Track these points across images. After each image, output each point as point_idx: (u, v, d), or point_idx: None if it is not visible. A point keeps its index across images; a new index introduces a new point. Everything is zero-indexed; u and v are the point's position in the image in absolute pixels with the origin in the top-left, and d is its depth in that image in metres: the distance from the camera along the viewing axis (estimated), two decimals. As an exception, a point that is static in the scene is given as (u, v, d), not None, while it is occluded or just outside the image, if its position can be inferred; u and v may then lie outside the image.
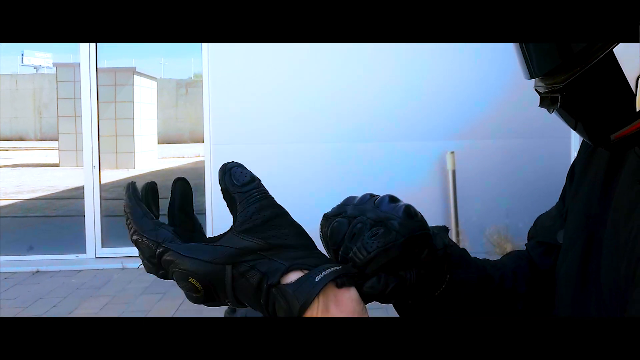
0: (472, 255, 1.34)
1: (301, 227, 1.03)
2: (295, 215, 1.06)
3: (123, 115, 21.83)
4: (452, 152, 8.75)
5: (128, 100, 22.20)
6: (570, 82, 1.04)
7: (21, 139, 33.97)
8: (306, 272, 0.97)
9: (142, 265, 1.04)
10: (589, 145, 1.34)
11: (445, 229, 1.25)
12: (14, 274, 8.28)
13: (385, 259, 1.08)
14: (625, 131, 1.04)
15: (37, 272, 8.42)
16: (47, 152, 26.74)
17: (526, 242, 1.53)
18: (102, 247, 9.05)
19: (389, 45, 8.80)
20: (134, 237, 1.02)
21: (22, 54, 40.99)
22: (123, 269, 8.52)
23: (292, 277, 0.96)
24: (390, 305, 1.22)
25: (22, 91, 34.31)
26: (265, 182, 1.05)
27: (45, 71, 38.79)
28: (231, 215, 1.02)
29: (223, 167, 1.03)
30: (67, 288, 7.71)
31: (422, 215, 1.15)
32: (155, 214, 1.07)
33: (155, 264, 1.01)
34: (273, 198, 1.02)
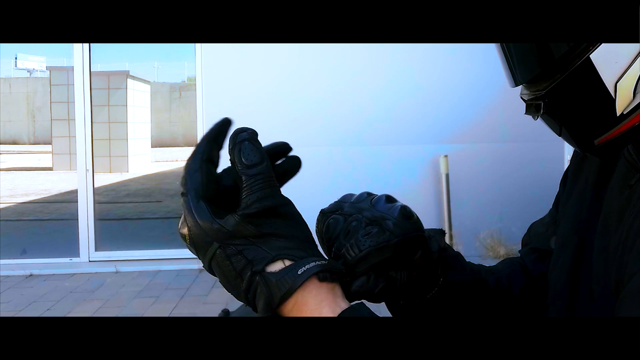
0: (465, 259, 1.34)
1: (301, 218, 1.04)
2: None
3: (116, 118, 21.81)
4: (446, 156, 8.77)
5: (121, 103, 22.19)
6: (552, 89, 1.06)
7: (15, 143, 33.87)
8: (292, 263, 0.97)
9: None
10: (577, 152, 1.36)
11: (441, 232, 1.27)
12: (7, 277, 8.26)
13: (376, 258, 1.09)
14: (608, 136, 1.06)
15: (31, 275, 8.40)
16: (41, 156, 26.70)
17: (520, 247, 1.54)
18: (96, 250, 9.03)
19: (382, 49, 8.81)
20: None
21: (16, 58, 40.88)
22: (116, 272, 8.50)
23: (278, 266, 0.97)
24: (383, 304, 1.22)
25: (16, 95, 34.24)
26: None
27: (39, 75, 38.68)
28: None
29: (234, 136, 1.04)
30: (60, 291, 7.69)
31: (417, 217, 1.17)
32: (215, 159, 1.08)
33: None
34: (276, 186, 1.02)
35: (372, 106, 8.88)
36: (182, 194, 0.99)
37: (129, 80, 22.90)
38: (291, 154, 1.14)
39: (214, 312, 6.87)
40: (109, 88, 21.62)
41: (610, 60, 0.98)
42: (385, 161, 8.85)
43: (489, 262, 1.50)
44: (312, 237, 1.05)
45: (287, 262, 0.97)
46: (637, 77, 0.98)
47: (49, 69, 26.40)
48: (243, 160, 1.00)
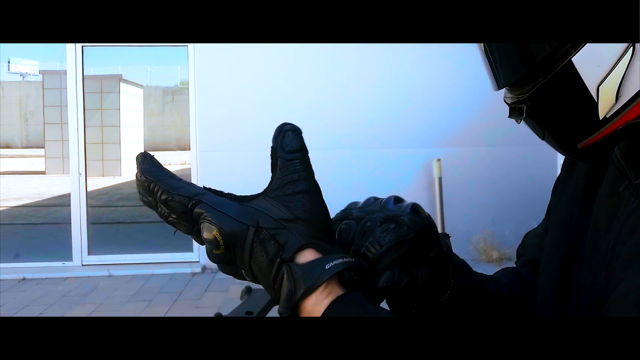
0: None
1: (328, 212, 1.04)
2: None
3: (109, 122, 21.81)
4: (439, 160, 8.80)
5: (114, 107, 22.19)
6: (535, 92, 1.05)
7: (7, 147, 33.78)
8: (319, 256, 0.96)
9: (177, 231, 1.03)
10: (568, 158, 1.36)
11: (446, 236, 1.26)
12: (0, 281, 8.26)
13: (397, 252, 1.09)
14: (591, 140, 1.05)
15: (24, 279, 8.41)
16: (33, 160, 26.66)
17: (513, 251, 1.54)
18: (89, 254, 9.02)
19: (375, 53, 8.83)
20: (163, 197, 1.00)
21: (9, 61, 40.90)
22: (109, 276, 8.50)
23: (306, 255, 0.96)
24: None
25: (8, 98, 34.15)
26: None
27: (32, 78, 38.68)
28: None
29: (280, 127, 1.04)
30: (53, 295, 7.69)
31: (429, 214, 1.17)
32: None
33: (189, 220, 0.99)
34: (313, 174, 1.02)
35: (365, 110, 8.92)
36: (192, 206, 0.98)
37: (122, 84, 22.91)
38: None
39: (207, 316, 6.85)
40: (101, 92, 21.63)
41: (592, 63, 0.98)
42: (378, 164, 8.89)
43: (482, 266, 1.51)
44: (334, 234, 1.06)
45: (315, 253, 0.97)
46: (620, 80, 0.98)
47: (42, 72, 26.42)
48: (284, 146, 1.00)
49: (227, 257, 0.98)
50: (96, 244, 9.39)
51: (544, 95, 1.05)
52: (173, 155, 29.10)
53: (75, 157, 9.03)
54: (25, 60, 42.08)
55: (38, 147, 28.12)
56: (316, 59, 8.86)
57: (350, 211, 1.19)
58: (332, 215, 1.17)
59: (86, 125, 9.16)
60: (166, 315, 6.65)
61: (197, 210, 0.97)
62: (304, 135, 1.04)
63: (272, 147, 1.02)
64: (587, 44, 0.97)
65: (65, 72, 9.09)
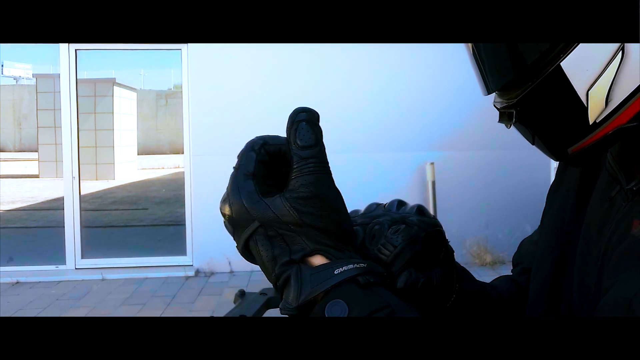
0: None
1: (343, 215, 1.00)
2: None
3: (103, 126, 21.81)
4: (432, 163, 8.82)
5: (108, 111, 22.19)
6: (524, 97, 1.04)
7: (1, 150, 33.74)
8: (328, 261, 0.95)
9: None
10: (562, 164, 1.36)
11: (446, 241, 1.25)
12: (-6, 285, 8.24)
13: (410, 252, 1.09)
14: (581, 145, 1.05)
15: (17, 283, 8.40)
16: (27, 163, 26.64)
17: (506, 255, 1.53)
18: (82, 258, 9.03)
19: (368, 57, 8.84)
20: None
21: (2, 65, 40.79)
22: (103, 279, 8.50)
23: (314, 260, 0.95)
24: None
25: (2, 102, 34.10)
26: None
27: (25, 82, 38.61)
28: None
29: (294, 114, 1.02)
30: (47, 299, 7.70)
31: (434, 215, 1.17)
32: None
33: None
34: (328, 174, 0.99)
35: (358, 114, 8.95)
36: (234, 168, 0.97)
37: (115, 88, 22.90)
38: None
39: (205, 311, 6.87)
40: (95, 95, 21.62)
41: (581, 68, 0.98)
42: (372, 168, 8.91)
43: (476, 270, 1.51)
44: (352, 234, 1.02)
45: (324, 259, 0.95)
46: (609, 85, 0.97)
47: (35, 76, 26.37)
48: (298, 140, 0.97)
49: (230, 230, 0.98)
50: (90, 248, 9.39)
51: (533, 100, 1.04)
52: (166, 159, 29.16)
53: (69, 160, 9.03)
54: (19, 63, 41.97)
55: (32, 151, 28.10)
56: (309, 63, 8.90)
57: (354, 218, 1.17)
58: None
59: (80, 128, 9.16)
60: (160, 319, 6.65)
61: (232, 174, 0.98)
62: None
63: (286, 136, 1.00)
64: (576, 48, 0.97)
65: (58, 75, 9.11)
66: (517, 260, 1.53)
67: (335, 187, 0.99)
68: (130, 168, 24.08)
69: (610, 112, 0.99)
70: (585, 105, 0.99)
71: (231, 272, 8.70)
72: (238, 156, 0.98)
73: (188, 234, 8.97)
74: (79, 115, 9.13)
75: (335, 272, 0.93)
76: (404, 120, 8.97)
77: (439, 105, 8.96)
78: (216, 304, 7.34)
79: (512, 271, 1.52)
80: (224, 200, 0.97)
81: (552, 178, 1.44)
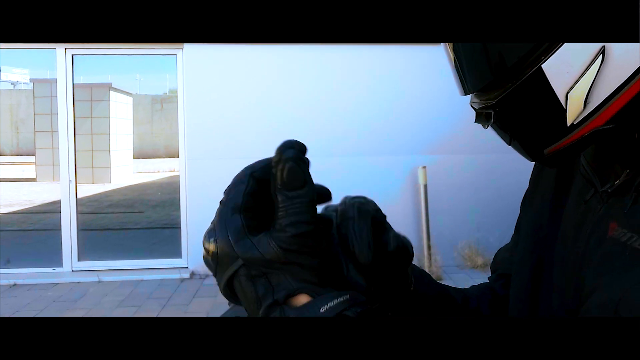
0: (444, 269, 1.34)
1: (329, 252, 0.99)
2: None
3: (99, 130, 21.81)
4: (424, 167, 8.88)
5: (104, 115, 22.18)
6: (503, 98, 1.04)
7: (-2, 154, 33.74)
8: (311, 299, 0.93)
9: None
10: (537, 169, 1.38)
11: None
12: (-8, 287, 8.29)
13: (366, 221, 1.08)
14: (558, 145, 1.05)
15: (14, 285, 8.47)
16: (24, 167, 26.58)
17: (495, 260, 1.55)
18: (79, 260, 9.09)
19: (362, 61, 8.89)
20: None
21: (0, 70, 40.80)
22: (99, 282, 8.57)
23: (298, 300, 0.93)
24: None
25: (0, 107, 34.06)
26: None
27: (23, 87, 38.58)
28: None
29: (280, 151, 0.93)
30: (43, 301, 7.75)
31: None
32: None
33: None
34: (314, 212, 0.95)
35: (350, 117, 9.00)
36: (221, 202, 0.95)
37: (112, 92, 22.88)
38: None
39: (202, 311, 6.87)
40: (91, 100, 21.63)
41: (561, 70, 0.97)
42: (363, 172, 8.95)
43: (467, 272, 1.53)
44: (341, 266, 1.01)
45: (307, 298, 0.93)
46: (588, 88, 0.97)
47: (33, 81, 26.33)
48: (285, 180, 0.92)
49: (212, 268, 0.96)
50: (86, 250, 9.44)
51: (512, 102, 1.04)
52: (162, 163, 29.13)
53: (66, 164, 9.09)
54: (16, 68, 42.00)
55: (29, 155, 28.10)
56: (302, 68, 8.96)
57: (328, 212, 1.13)
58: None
59: (76, 133, 9.20)
60: (155, 320, 6.71)
61: (218, 208, 0.95)
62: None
63: (272, 170, 0.95)
64: (557, 51, 0.97)
65: (55, 80, 9.13)
66: (493, 268, 1.54)
67: (319, 225, 0.96)
68: (126, 172, 24.07)
69: (588, 114, 0.99)
70: (564, 106, 0.99)
71: (226, 274, 8.68)
72: (225, 192, 0.96)
73: (183, 237, 9.03)
74: (75, 119, 9.17)
75: (321, 311, 0.91)
76: (396, 124, 9.03)
77: (431, 109, 9.01)
78: (211, 307, 7.40)
79: (488, 278, 1.52)
80: (210, 236, 0.94)
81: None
